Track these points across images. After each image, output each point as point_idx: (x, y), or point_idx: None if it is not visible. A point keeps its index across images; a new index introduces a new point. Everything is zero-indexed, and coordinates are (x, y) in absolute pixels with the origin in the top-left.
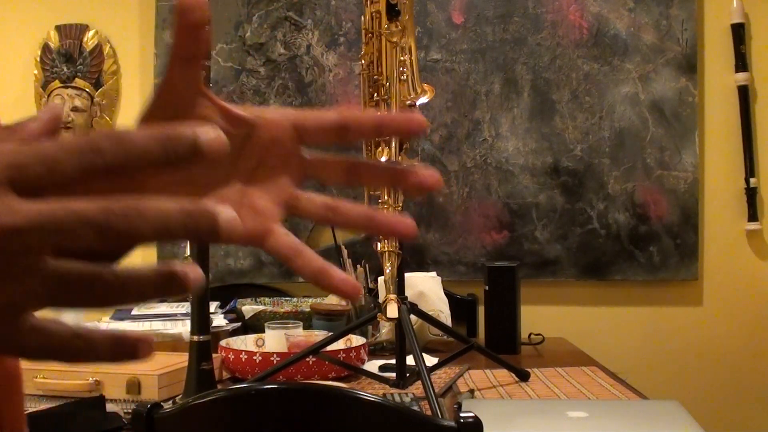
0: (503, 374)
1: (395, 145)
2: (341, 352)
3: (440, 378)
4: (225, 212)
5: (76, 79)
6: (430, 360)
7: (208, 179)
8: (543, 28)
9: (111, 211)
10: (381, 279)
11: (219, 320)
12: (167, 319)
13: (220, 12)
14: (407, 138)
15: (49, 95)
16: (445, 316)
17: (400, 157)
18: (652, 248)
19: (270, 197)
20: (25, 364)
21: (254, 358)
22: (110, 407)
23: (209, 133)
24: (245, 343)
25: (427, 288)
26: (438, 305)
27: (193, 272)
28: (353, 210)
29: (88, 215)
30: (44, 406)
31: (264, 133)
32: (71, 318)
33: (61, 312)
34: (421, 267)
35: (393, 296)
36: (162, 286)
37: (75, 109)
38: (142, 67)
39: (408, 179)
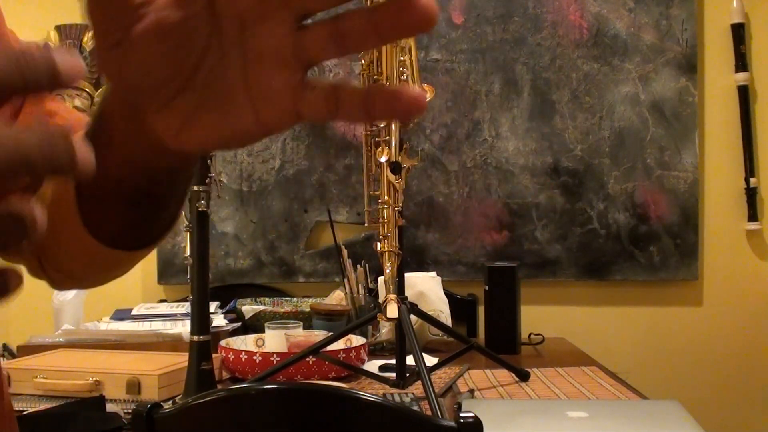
0: (503, 374)
1: (395, 144)
2: (341, 352)
3: (440, 378)
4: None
5: None
6: (430, 360)
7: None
8: (543, 28)
9: None
10: (381, 279)
11: (219, 320)
12: (167, 319)
13: None
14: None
15: None
16: (445, 316)
17: (399, 157)
18: (652, 248)
19: (278, 56)
20: (25, 363)
21: (254, 358)
22: (110, 407)
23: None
24: (245, 343)
25: (427, 288)
26: (438, 305)
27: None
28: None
29: None
30: (44, 406)
31: None
32: None
33: None
34: (421, 267)
35: (393, 296)
36: None
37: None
38: None
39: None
